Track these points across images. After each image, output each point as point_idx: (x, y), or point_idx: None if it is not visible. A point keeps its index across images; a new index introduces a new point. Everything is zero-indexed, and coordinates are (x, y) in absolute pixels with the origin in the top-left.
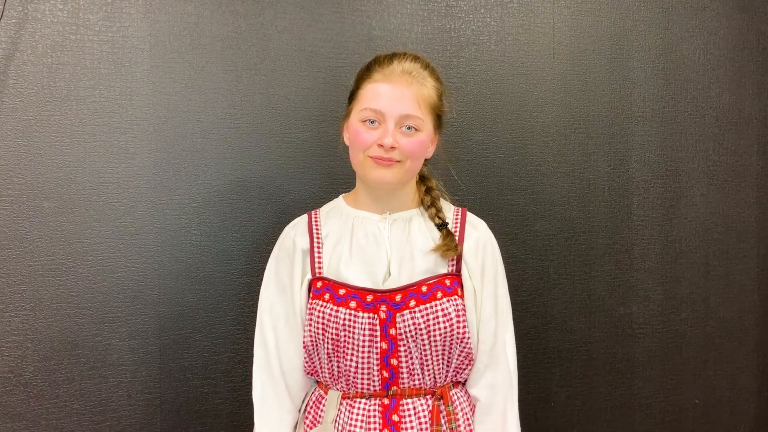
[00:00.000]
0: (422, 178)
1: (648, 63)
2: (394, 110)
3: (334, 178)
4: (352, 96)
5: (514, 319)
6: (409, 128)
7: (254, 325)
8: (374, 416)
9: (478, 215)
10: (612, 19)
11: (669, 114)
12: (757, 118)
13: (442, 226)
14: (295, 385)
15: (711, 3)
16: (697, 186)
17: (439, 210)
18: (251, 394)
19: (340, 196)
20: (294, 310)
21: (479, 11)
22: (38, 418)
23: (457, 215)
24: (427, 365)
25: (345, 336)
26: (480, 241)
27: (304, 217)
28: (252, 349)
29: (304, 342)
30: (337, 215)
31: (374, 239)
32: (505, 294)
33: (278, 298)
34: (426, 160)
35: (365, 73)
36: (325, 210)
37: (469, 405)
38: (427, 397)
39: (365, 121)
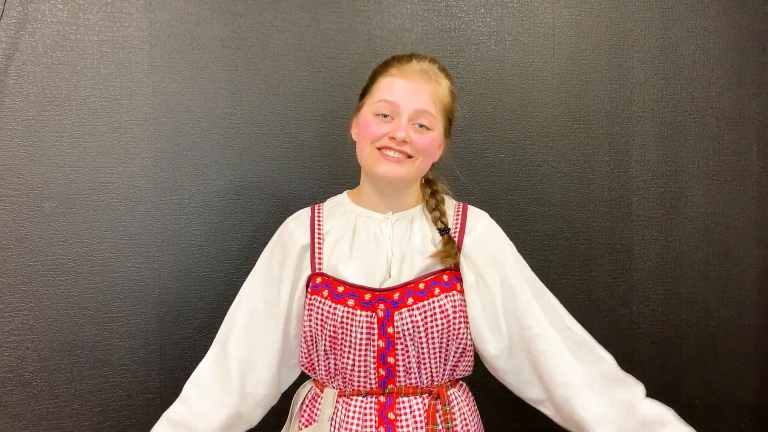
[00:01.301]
0: (428, 181)
1: (648, 63)
2: (409, 104)
3: (335, 178)
4: (366, 91)
5: None
6: (421, 126)
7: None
8: (370, 414)
9: None
10: (612, 19)
11: (669, 114)
12: (757, 118)
13: (443, 231)
14: (250, 379)
15: (711, 3)
16: (697, 186)
17: (442, 214)
18: None
19: (345, 192)
20: (277, 301)
21: (479, 11)
22: (38, 418)
23: (458, 210)
24: (424, 363)
25: (342, 333)
26: (483, 235)
27: (307, 211)
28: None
29: (304, 336)
30: (340, 212)
31: (375, 239)
32: (531, 273)
33: (264, 286)
34: (432, 164)
35: (382, 69)
36: (328, 205)
37: (467, 405)
38: (424, 396)
39: (378, 114)
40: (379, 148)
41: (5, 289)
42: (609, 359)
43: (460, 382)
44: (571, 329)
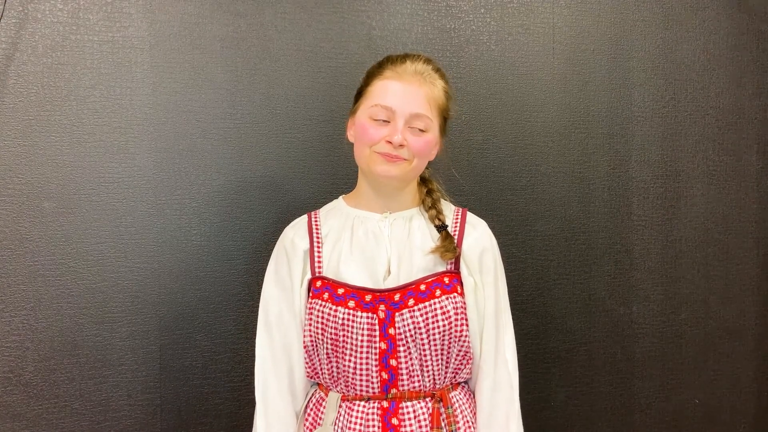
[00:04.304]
0: (423, 180)
1: (648, 63)
2: (405, 108)
3: (335, 178)
4: (361, 92)
5: (514, 318)
6: (417, 128)
7: (255, 325)
8: (373, 419)
9: (478, 215)
10: (612, 19)
11: (669, 114)
12: (757, 118)
13: (441, 228)
14: (299, 383)
15: (711, 3)
16: (697, 186)
17: (439, 212)
18: (251, 395)
19: (340, 197)
20: (296, 308)
21: (479, 11)
22: (38, 418)
23: (457, 215)
24: (427, 366)
25: (344, 336)
26: (479, 242)
27: (304, 218)
28: (253, 349)
29: (304, 342)
30: (337, 215)
31: (374, 237)
32: (505, 295)
33: (280, 296)
34: (428, 162)
35: (376, 71)
36: (324, 210)
37: (469, 407)
38: (427, 399)
39: (374, 118)
40: (377, 152)
41: (5, 289)
42: (517, 414)
43: (462, 384)
44: (507, 364)
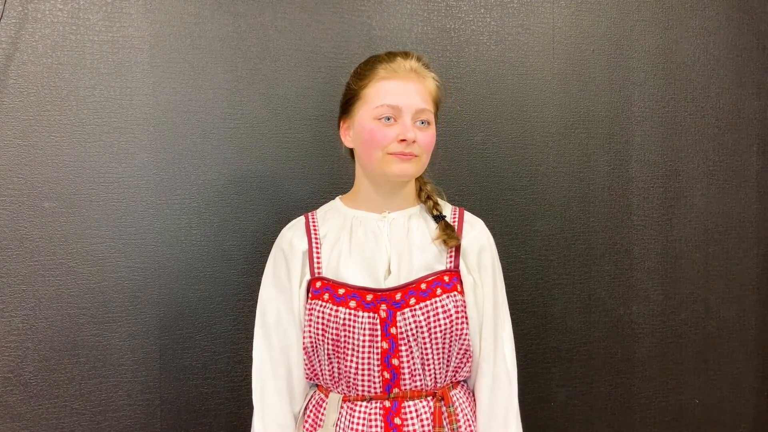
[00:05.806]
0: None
1: (648, 63)
2: (411, 105)
3: (334, 178)
4: (354, 95)
5: (514, 319)
6: (422, 122)
7: (254, 325)
8: (375, 420)
9: (478, 215)
10: (612, 19)
11: (669, 114)
12: (757, 118)
13: (439, 217)
14: (298, 386)
15: (711, 3)
16: (697, 186)
17: (435, 203)
18: (251, 394)
19: (337, 198)
20: (294, 310)
21: (479, 11)
22: (38, 418)
23: (454, 214)
24: (428, 364)
25: (345, 336)
26: (477, 241)
27: (301, 219)
28: (252, 350)
29: (303, 344)
30: (335, 215)
31: (374, 237)
32: (503, 292)
33: (279, 297)
34: None
35: (368, 73)
36: (321, 211)
37: (469, 405)
38: (428, 398)
39: (381, 118)
40: (389, 153)
41: (5, 289)
42: (516, 411)
43: (461, 382)
44: (498, 365)
